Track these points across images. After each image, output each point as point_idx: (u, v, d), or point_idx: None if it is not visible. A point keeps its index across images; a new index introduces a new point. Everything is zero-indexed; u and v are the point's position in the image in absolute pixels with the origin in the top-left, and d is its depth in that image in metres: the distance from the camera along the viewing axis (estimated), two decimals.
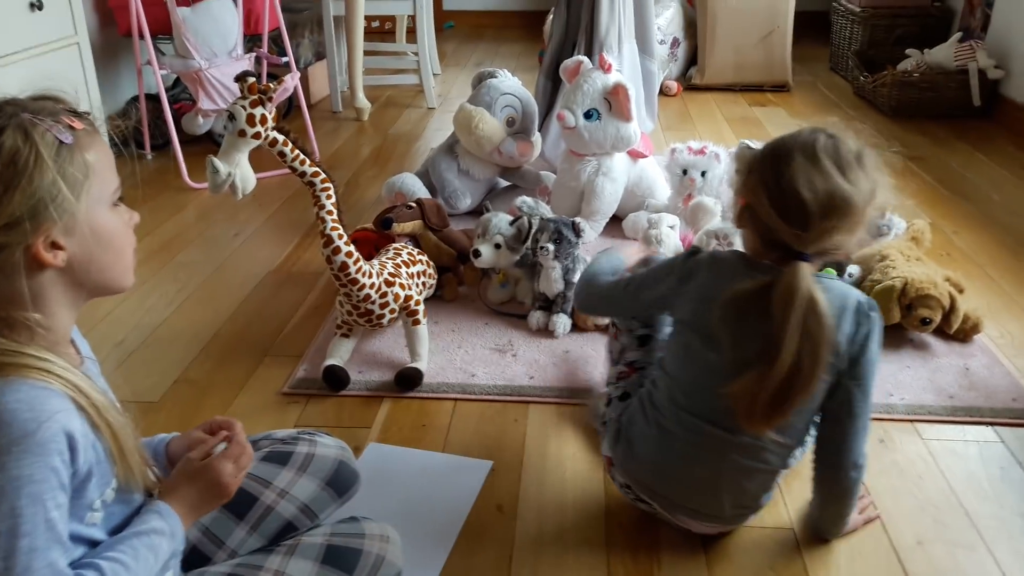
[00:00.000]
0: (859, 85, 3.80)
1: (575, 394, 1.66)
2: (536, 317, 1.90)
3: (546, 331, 1.88)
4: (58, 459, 0.76)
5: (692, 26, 4.13)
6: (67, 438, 0.77)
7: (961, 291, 1.86)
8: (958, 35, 3.59)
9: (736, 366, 1.10)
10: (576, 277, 1.88)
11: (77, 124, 0.83)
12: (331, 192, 1.62)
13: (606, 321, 1.86)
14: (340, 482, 1.16)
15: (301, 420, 1.60)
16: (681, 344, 1.23)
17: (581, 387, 1.68)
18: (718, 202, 2.23)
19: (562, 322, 1.87)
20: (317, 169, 1.60)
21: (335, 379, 1.67)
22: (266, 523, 1.08)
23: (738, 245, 1.90)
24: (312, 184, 1.62)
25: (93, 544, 0.84)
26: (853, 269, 1.95)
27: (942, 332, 1.83)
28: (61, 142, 0.80)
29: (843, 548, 1.28)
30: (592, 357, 1.79)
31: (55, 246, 0.81)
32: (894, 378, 1.69)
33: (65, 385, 0.80)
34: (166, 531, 0.86)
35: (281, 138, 1.57)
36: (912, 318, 1.79)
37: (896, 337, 1.83)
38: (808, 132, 1.12)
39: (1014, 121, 3.34)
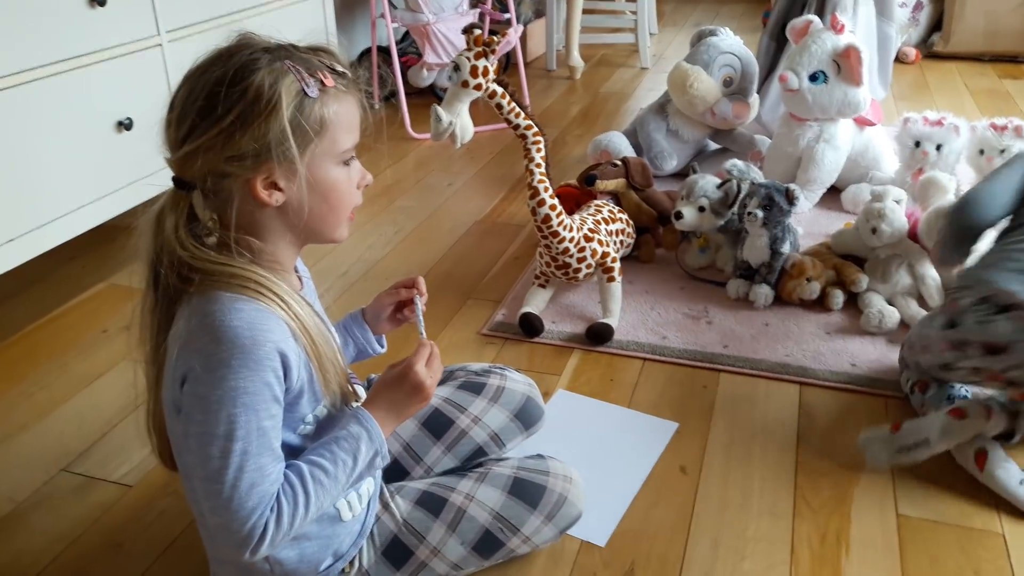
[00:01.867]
0: None
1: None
2: (736, 285, 1.85)
3: (745, 301, 1.83)
4: (272, 375, 0.84)
5: None
6: (281, 358, 0.84)
7: None
8: None
9: None
10: (785, 247, 1.80)
11: (328, 81, 0.86)
12: (541, 146, 1.66)
13: (814, 295, 1.78)
14: (527, 415, 1.24)
15: (497, 360, 1.67)
16: None
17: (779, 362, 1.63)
18: (953, 178, 2.04)
19: (764, 293, 1.81)
20: (530, 123, 1.65)
21: (530, 326, 1.73)
22: (460, 445, 1.17)
23: None
24: (524, 136, 1.67)
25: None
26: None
27: None
28: (306, 95, 0.84)
29: None
30: (793, 332, 1.72)
31: (274, 186, 0.86)
32: None
33: (285, 310, 0.87)
34: (363, 435, 0.91)
35: (500, 90, 1.63)
36: None
37: None
38: None
39: None
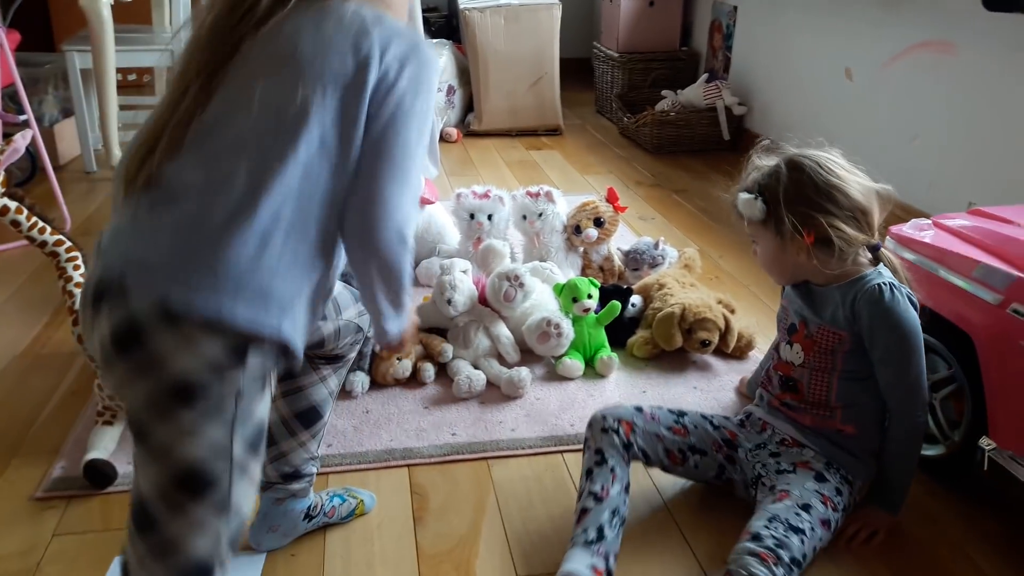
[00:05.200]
0: (623, 126, 4.05)
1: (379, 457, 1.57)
2: None
3: (343, 391, 1.77)
4: None
5: (465, 73, 4.22)
6: None
7: (733, 311, 1.99)
8: (705, 76, 3.95)
9: None
10: (366, 325, 1.79)
11: None
12: (79, 262, 1.44)
13: (407, 373, 1.79)
14: None
15: (60, 527, 1.38)
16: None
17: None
18: (506, 243, 2.25)
19: (360, 380, 1.77)
20: (61, 237, 1.42)
21: (99, 474, 1.46)
22: None
23: (528, 284, 1.91)
24: (55, 254, 1.44)
25: None
26: (635, 299, 2.03)
27: (721, 352, 1.94)
28: None
29: None
30: (394, 414, 1.71)
31: None
32: (683, 400, 1.77)
33: None
34: None
35: (13, 205, 1.38)
36: (693, 341, 1.89)
37: (680, 360, 1.92)
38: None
39: None
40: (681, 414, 1.43)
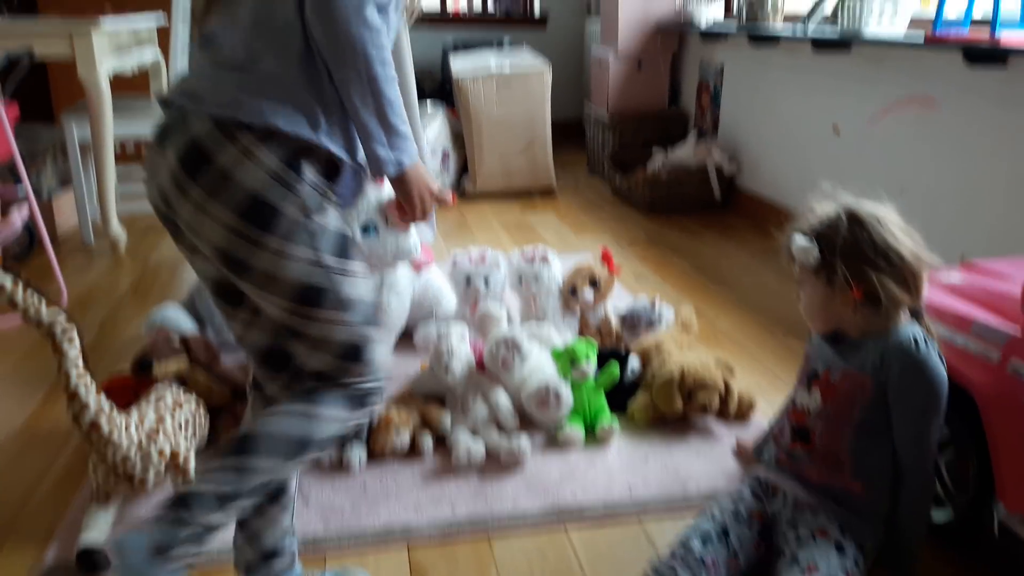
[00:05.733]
0: (616, 186, 4.09)
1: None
2: (328, 453, 1.76)
3: (340, 467, 1.75)
4: None
5: (459, 138, 4.28)
6: None
7: (732, 373, 1.98)
8: (694, 135, 4.01)
9: None
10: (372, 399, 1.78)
11: None
12: (75, 338, 1.43)
13: (406, 445, 1.77)
14: None
15: None
16: None
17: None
18: (503, 307, 2.25)
19: (358, 454, 1.75)
20: (57, 314, 1.41)
21: (91, 564, 1.42)
22: None
23: (525, 349, 1.91)
24: (52, 334, 1.42)
25: None
26: (634, 362, 2.02)
27: (723, 415, 1.92)
28: None
29: None
30: (392, 489, 1.68)
31: None
32: (688, 467, 1.74)
33: None
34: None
35: (8, 282, 1.37)
36: (693, 405, 1.87)
37: (682, 425, 1.90)
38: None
39: (750, 210, 3.74)
40: (724, 533, 1.35)
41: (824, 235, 1.33)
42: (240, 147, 1.00)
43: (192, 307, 2.34)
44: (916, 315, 1.35)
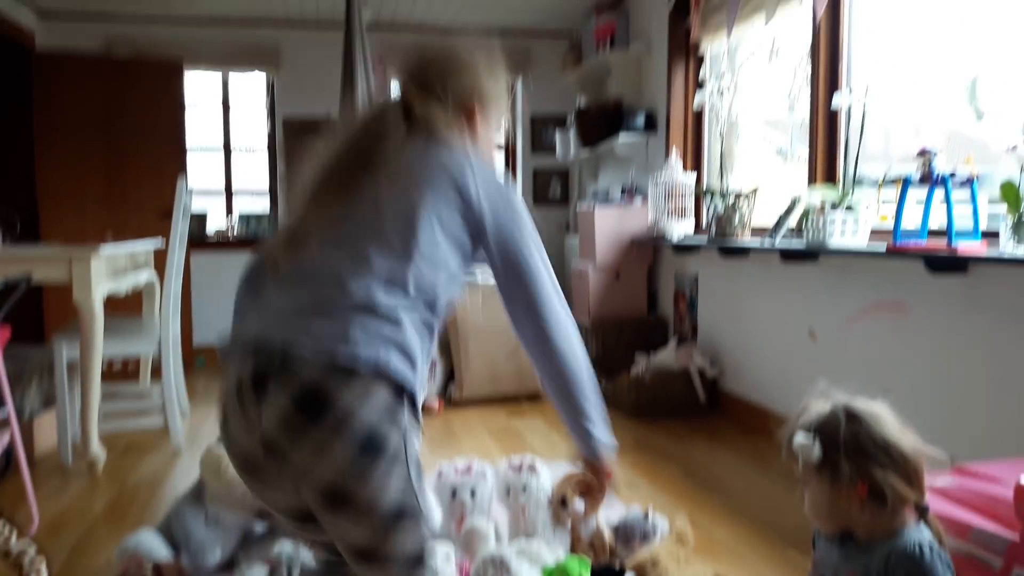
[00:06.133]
0: (601, 390, 4.12)
1: None
2: None
3: None
4: None
5: (446, 346, 4.36)
6: None
7: None
8: (675, 340, 4.10)
9: None
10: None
11: None
12: (42, 570, 1.37)
13: None
14: None
15: None
16: None
17: None
18: (491, 523, 2.18)
19: None
20: (23, 548, 1.35)
21: None
22: None
23: (514, 570, 1.83)
24: (19, 565, 1.36)
25: None
26: None
27: None
28: None
29: None
30: None
31: None
32: None
33: None
34: None
35: None
36: None
37: None
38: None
39: (736, 412, 3.75)
40: None
41: (825, 432, 1.33)
42: (360, 387, 1.11)
43: (168, 531, 2.25)
44: (922, 513, 1.33)
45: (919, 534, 1.30)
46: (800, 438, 1.35)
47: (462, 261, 1.30)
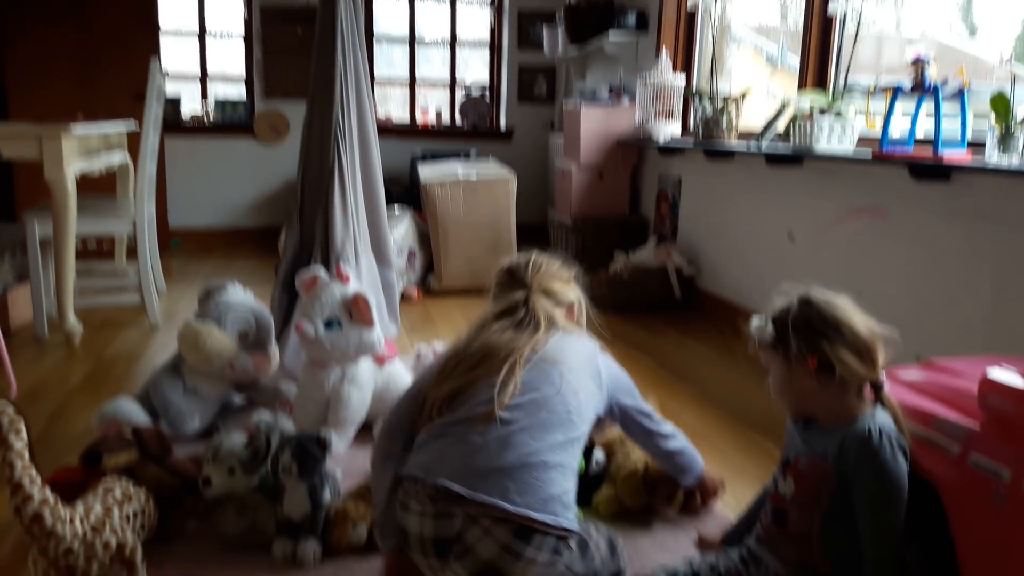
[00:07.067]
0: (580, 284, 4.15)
1: None
2: (282, 546, 1.69)
3: (294, 563, 1.67)
4: None
5: (425, 238, 4.34)
6: None
7: None
8: (654, 239, 4.12)
9: None
10: (325, 496, 1.72)
11: None
12: (21, 429, 1.38)
13: (363, 539, 1.71)
14: None
15: None
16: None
17: None
18: None
19: (311, 548, 1.68)
20: (4, 406, 1.36)
21: None
22: None
23: None
24: None
25: None
26: (598, 455, 2.00)
27: (687, 508, 1.90)
28: None
29: None
30: None
31: None
32: (653, 559, 1.70)
33: None
34: None
35: None
36: (657, 498, 1.85)
37: (647, 517, 1.87)
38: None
39: (710, 310, 3.81)
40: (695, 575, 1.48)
41: (778, 315, 1.42)
42: (534, 546, 1.30)
43: (147, 400, 2.28)
44: (876, 391, 1.38)
45: (873, 421, 1.36)
46: (755, 321, 1.44)
47: None
